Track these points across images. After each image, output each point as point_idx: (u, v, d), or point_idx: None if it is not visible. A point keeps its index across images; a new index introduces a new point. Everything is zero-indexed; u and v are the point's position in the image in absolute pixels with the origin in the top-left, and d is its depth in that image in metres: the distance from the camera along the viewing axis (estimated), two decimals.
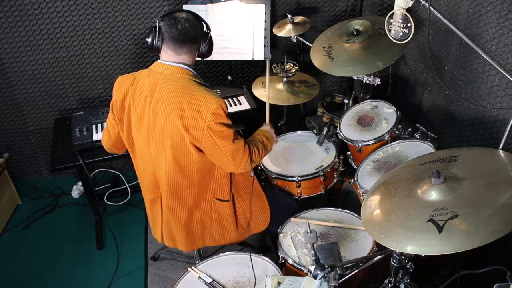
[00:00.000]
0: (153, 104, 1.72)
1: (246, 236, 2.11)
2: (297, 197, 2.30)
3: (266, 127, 2.11)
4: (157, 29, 1.72)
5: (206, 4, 2.67)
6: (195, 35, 1.75)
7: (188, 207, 1.93)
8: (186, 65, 1.77)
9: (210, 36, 1.82)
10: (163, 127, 1.72)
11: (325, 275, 1.35)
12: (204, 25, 1.80)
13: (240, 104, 2.77)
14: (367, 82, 2.32)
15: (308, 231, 1.37)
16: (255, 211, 2.07)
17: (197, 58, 1.85)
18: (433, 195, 1.34)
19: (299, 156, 2.43)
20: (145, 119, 1.76)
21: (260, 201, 2.09)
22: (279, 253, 1.86)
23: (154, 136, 1.77)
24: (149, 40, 1.75)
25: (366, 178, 2.11)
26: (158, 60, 1.79)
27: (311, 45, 2.41)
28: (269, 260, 1.81)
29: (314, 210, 2.08)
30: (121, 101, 1.80)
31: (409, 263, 1.57)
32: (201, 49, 1.80)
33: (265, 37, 2.69)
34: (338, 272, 1.38)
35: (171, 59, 1.76)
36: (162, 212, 1.96)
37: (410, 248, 1.25)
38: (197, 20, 1.77)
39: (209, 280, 1.75)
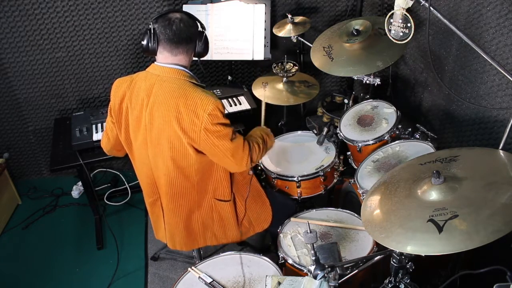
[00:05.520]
0: (150, 106, 1.72)
1: (248, 235, 2.11)
2: (297, 197, 2.29)
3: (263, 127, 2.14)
4: (152, 31, 1.71)
5: (206, 4, 2.67)
6: (191, 35, 1.75)
7: (188, 208, 1.92)
8: (183, 66, 1.77)
9: (206, 35, 1.81)
10: (161, 129, 1.72)
11: (325, 275, 1.35)
12: (199, 24, 1.80)
13: (240, 104, 2.77)
14: (367, 82, 2.32)
15: (308, 231, 1.37)
16: (256, 209, 2.07)
17: (194, 58, 1.85)
18: (433, 195, 1.33)
19: (299, 156, 2.43)
20: (142, 121, 1.76)
21: (260, 199, 2.10)
22: (279, 253, 1.86)
23: (151, 139, 1.77)
24: (144, 42, 1.74)
25: (366, 178, 2.10)
26: (155, 62, 1.79)
27: (311, 45, 2.41)
28: (269, 260, 1.81)
29: (314, 210, 2.08)
30: (119, 103, 1.80)
31: (409, 263, 1.57)
32: (197, 48, 1.80)
33: (265, 37, 2.69)
34: (338, 272, 1.38)
35: (167, 60, 1.75)
36: (163, 214, 1.96)
37: (410, 248, 1.25)
38: (191, 19, 1.77)
39: (209, 280, 1.75)
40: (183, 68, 1.76)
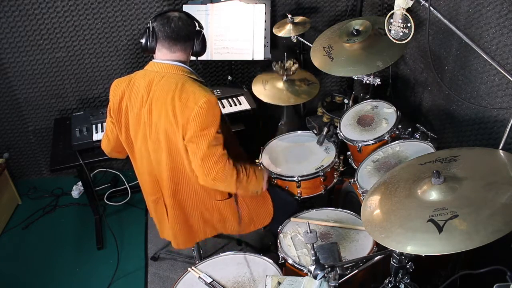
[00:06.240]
0: (149, 102, 1.73)
1: (249, 230, 2.11)
2: (297, 197, 2.29)
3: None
4: (151, 30, 1.73)
5: (206, 4, 2.67)
6: (189, 33, 1.77)
7: (189, 205, 1.93)
8: (181, 62, 1.77)
9: (203, 34, 1.83)
10: (158, 124, 1.73)
11: (325, 275, 1.35)
12: (197, 23, 1.82)
13: (240, 104, 2.77)
14: (367, 82, 2.32)
15: (308, 231, 1.37)
16: (257, 205, 2.07)
17: (192, 58, 1.86)
18: (433, 195, 1.33)
19: (299, 156, 2.43)
20: (141, 118, 1.77)
21: (261, 195, 2.09)
22: (279, 253, 1.86)
23: (151, 134, 1.77)
24: (143, 41, 1.76)
25: (366, 178, 2.10)
26: (153, 60, 1.80)
27: (311, 45, 2.41)
28: (269, 260, 1.81)
29: (314, 210, 2.08)
30: (118, 103, 1.80)
31: (409, 263, 1.57)
32: (195, 47, 1.81)
33: (265, 37, 2.69)
34: (338, 272, 1.38)
35: (166, 57, 1.76)
36: (167, 211, 1.96)
37: (410, 248, 1.25)
38: (190, 18, 1.79)
39: (209, 280, 1.75)
40: (182, 64, 1.77)
